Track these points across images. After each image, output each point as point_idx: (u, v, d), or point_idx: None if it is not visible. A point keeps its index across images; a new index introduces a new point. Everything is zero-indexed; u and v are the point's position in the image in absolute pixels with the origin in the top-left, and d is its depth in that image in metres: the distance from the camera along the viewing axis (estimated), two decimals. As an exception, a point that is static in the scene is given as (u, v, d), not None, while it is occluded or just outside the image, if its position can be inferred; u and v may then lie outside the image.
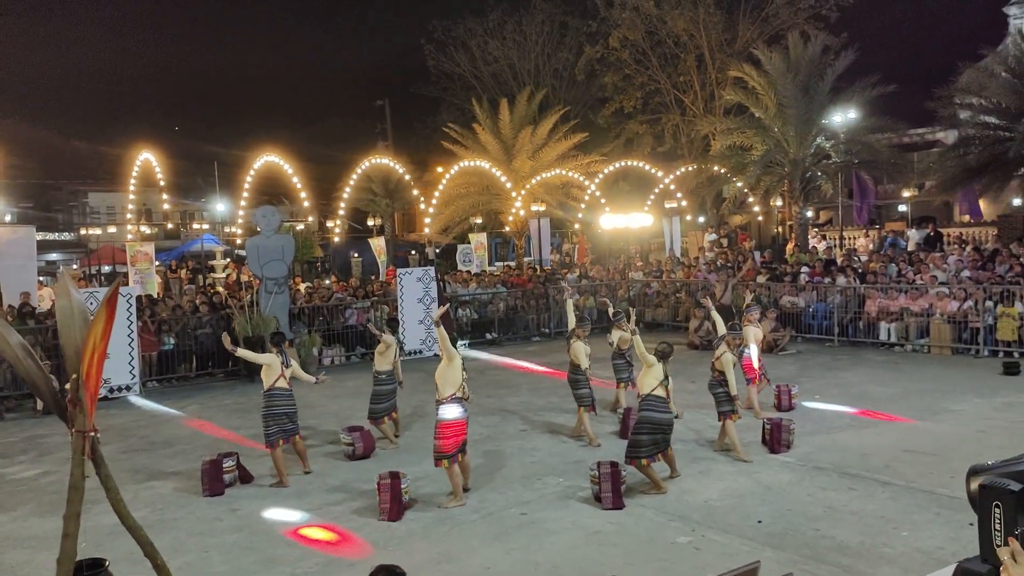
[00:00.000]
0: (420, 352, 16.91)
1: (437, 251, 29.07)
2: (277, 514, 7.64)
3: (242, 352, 9.06)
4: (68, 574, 3.94)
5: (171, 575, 4.49)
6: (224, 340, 8.76)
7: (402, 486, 7.38)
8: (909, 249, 20.48)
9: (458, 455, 7.61)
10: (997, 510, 2.37)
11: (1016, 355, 13.88)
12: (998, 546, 2.32)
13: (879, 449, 8.88)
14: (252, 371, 14.62)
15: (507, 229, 29.05)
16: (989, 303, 14.59)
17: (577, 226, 30.93)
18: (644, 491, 7.71)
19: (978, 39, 24.65)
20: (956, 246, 20.54)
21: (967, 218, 26.32)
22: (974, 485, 2.43)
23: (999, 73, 19.29)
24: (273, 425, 8.48)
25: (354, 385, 13.97)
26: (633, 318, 11.17)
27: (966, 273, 16.01)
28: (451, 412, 7.53)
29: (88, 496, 4.36)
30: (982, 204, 25.15)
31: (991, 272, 15.77)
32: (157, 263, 24.08)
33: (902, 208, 30.75)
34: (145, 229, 30.73)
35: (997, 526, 2.36)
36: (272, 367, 8.57)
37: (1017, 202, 25.72)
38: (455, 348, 7.79)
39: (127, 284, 18.22)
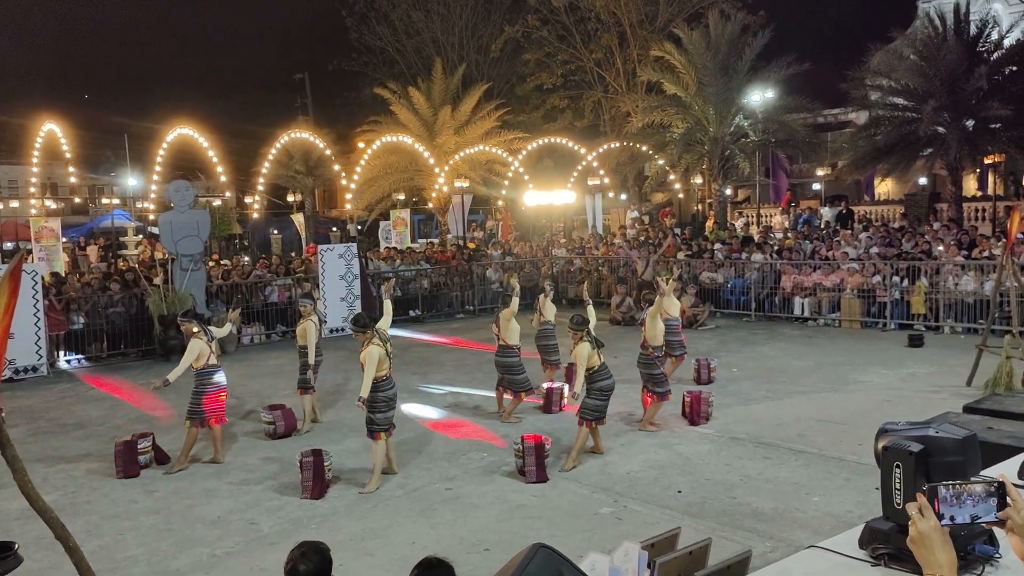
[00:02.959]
0: (342, 330, 16.69)
1: (359, 228, 28.66)
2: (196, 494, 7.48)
3: (174, 374, 8.05)
4: (-29, 561, 3.76)
5: (84, 558, 4.33)
6: (152, 386, 8.74)
7: (324, 463, 7.30)
8: (822, 226, 21.16)
9: (389, 429, 7.55)
10: (898, 470, 2.48)
11: (921, 328, 14.56)
12: (898, 504, 2.44)
13: (793, 419, 9.20)
14: (168, 351, 14.22)
15: (430, 206, 28.81)
16: (896, 278, 15.27)
17: (501, 203, 30.91)
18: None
19: (889, 21, 25.47)
20: (866, 223, 21.31)
21: (868, 198, 27.34)
22: (881, 444, 2.53)
23: (908, 55, 19.98)
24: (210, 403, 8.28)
25: (275, 364, 13.72)
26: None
27: (875, 249, 16.66)
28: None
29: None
30: (889, 183, 26.13)
31: (898, 248, 16.45)
32: (64, 239, 23.12)
33: (816, 187, 31.75)
34: (50, 204, 29.44)
35: (897, 485, 2.48)
36: (203, 351, 8.29)
37: (923, 181, 26.79)
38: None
39: (32, 261, 17.43)
